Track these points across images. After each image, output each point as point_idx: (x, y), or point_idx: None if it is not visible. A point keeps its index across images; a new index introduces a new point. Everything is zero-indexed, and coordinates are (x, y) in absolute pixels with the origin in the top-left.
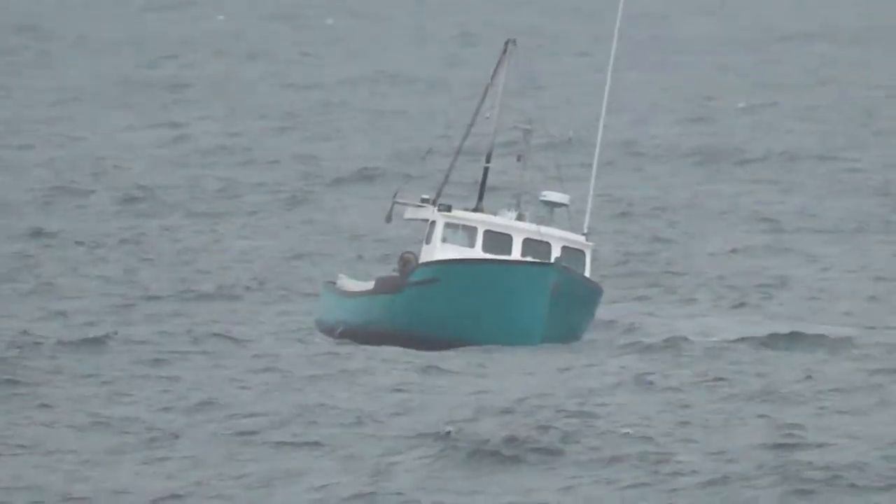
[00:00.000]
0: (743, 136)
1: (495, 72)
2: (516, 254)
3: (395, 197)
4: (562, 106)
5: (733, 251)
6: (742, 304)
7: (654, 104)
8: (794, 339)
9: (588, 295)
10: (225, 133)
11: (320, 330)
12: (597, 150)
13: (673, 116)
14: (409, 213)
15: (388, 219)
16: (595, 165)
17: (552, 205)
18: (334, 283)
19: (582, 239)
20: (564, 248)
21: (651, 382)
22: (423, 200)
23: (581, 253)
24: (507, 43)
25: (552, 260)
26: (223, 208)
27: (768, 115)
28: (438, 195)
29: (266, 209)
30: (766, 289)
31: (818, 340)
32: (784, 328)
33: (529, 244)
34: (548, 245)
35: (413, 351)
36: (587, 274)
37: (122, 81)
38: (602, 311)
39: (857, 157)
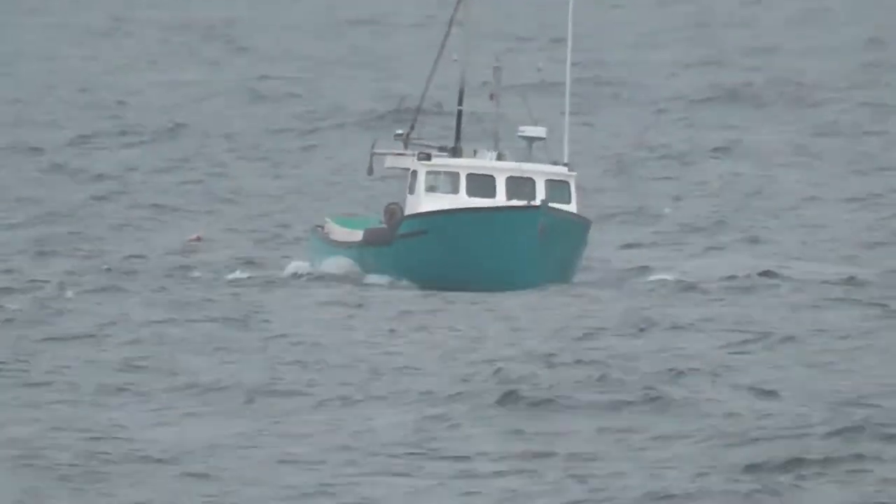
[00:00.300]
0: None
1: (457, 7)
2: (501, 193)
3: (372, 148)
4: (531, 38)
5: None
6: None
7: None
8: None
9: (576, 231)
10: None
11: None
12: (567, 79)
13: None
14: (389, 161)
15: (370, 171)
16: (567, 95)
17: (530, 139)
18: (322, 228)
19: (564, 170)
20: (548, 182)
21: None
22: (398, 136)
23: (565, 184)
24: None
25: (536, 195)
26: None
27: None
28: (412, 128)
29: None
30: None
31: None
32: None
33: (513, 182)
34: (531, 181)
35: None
36: (573, 203)
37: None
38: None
39: None
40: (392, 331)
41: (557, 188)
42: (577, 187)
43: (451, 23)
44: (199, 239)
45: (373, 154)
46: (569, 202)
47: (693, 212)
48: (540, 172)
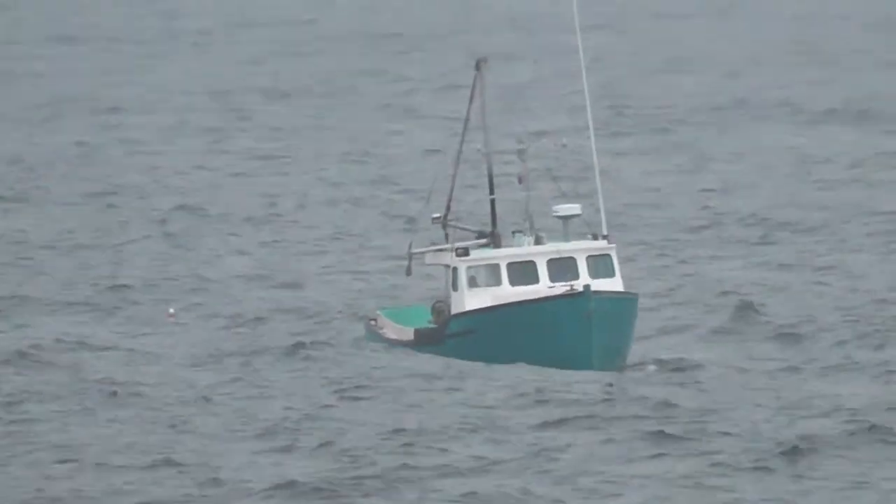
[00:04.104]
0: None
1: (472, 95)
2: (543, 277)
3: (409, 248)
4: (547, 116)
5: None
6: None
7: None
8: None
9: (625, 307)
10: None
11: None
12: (593, 150)
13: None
14: (429, 258)
15: (409, 272)
16: (596, 168)
17: (565, 217)
18: (374, 322)
19: (603, 243)
20: (589, 258)
21: None
22: (435, 219)
23: (607, 257)
24: (478, 62)
25: (579, 274)
26: None
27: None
28: (447, 210)
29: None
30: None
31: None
32: None
33: (554, 264)
34: (572, 259)
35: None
36: (617, 275)
37: None
38: None
39: None
40: None
41: (600, 263)
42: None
43: (467, 117)
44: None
45: (411, 254)
46: (612, 275)
47: None
48: (580, 250)
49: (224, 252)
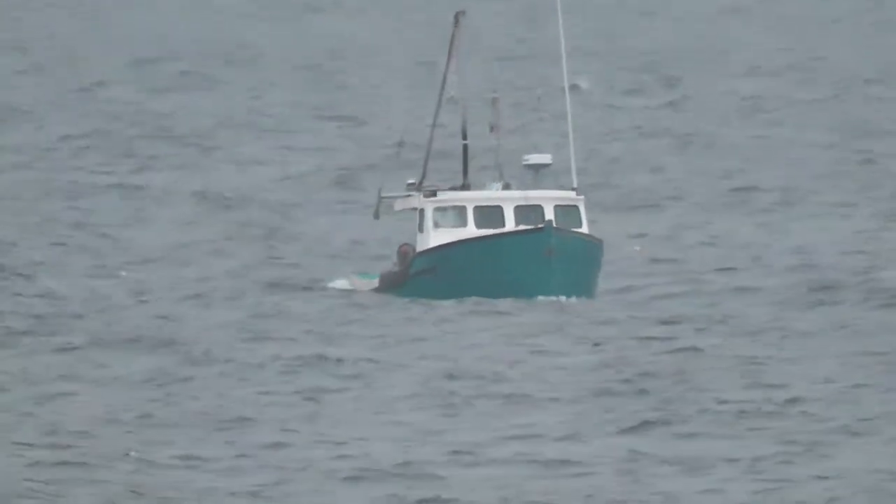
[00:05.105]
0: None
1: (450, 47)
2: (510, 222)
3: (379, 192)
4: (523, 67)
5: None
6: None
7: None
8: None
9: (588, 250)
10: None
11: None
12: (567, 105)
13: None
14: (398, 204)
15: (377, 215)
16: (570, 120)
17: (536, 167)
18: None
19: (572, 194)
20: (557, 207)
21: None
22: (410, 185)
23: (575, 208)
24: (456, 15)
25: (545, 221)
26: None
27: None
28: (423, 176)
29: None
30: None
31: None
32: None
33: (521, 211)
34: (539, 207)
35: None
36: (584, 226)
37: None
38: None
39: None
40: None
41: (567, 213)
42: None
43: (446, 71)
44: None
45: (380, 198)
46: (580, 226)
47: None
48: (548, 199)
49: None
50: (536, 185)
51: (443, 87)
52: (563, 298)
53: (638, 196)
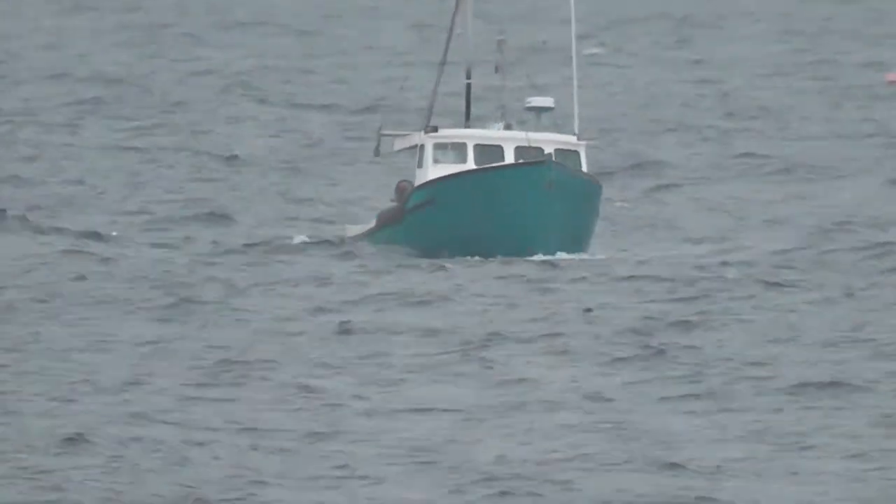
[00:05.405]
0: None
1: (457, 4)
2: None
3: (379, 130)
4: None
5: None
6: None
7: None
8: None
9: (587, 190)
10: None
11: None
12: (573, 48)
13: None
14: (398, 144)
15: (377, 152)
16: (574, 64)
17: (538, 109)
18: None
19: (573, 139)
20: (557, 151)
21: None
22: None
23: (575, 153)
24: None
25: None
26: None
27: None
28: (429, 116)
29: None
30: None
31: None
32: None
33: (521, 151)
34: (540, 149)
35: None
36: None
37: None
38: None
39: None
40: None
41: (567, 157)
42: (588, 157)
43: (455, 10)
44: None
45: (380, 135)
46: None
47: None
48: (549, 141)
49: None
50: (538, 129)
51: (448, 41)
52: (560, 234)
53: (638, 156)
